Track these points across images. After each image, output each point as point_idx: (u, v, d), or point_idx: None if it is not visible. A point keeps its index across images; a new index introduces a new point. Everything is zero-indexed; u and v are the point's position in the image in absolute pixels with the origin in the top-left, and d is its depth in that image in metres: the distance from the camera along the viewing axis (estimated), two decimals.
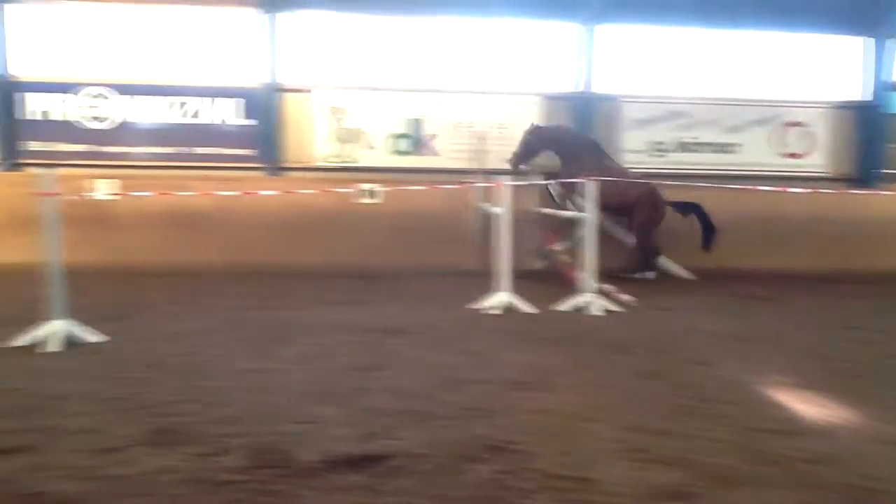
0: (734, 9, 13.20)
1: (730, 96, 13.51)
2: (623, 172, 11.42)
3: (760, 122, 13.57)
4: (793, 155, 13.68)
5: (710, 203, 11.55)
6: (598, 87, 13.23)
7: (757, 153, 13.56)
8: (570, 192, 10.83)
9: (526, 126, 11.85)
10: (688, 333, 7.05)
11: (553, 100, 13.13)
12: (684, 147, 13.42)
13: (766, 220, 12.41)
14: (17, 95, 12.32)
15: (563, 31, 13.25)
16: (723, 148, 13.53)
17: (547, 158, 11.69)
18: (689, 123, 13.44)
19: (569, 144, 11.49)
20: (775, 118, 13.58)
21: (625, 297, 8.64)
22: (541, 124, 11.87)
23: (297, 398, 4.68)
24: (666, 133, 13.38)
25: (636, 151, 13.29)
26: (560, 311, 8.02)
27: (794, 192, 10.32)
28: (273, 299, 8.81)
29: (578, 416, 4.40)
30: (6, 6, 12.28)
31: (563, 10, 13.04)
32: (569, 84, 13.23)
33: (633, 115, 13.30)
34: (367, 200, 10.93)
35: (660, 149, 13.36)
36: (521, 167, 11.58)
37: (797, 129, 13.66)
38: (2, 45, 12.28)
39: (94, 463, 3.63)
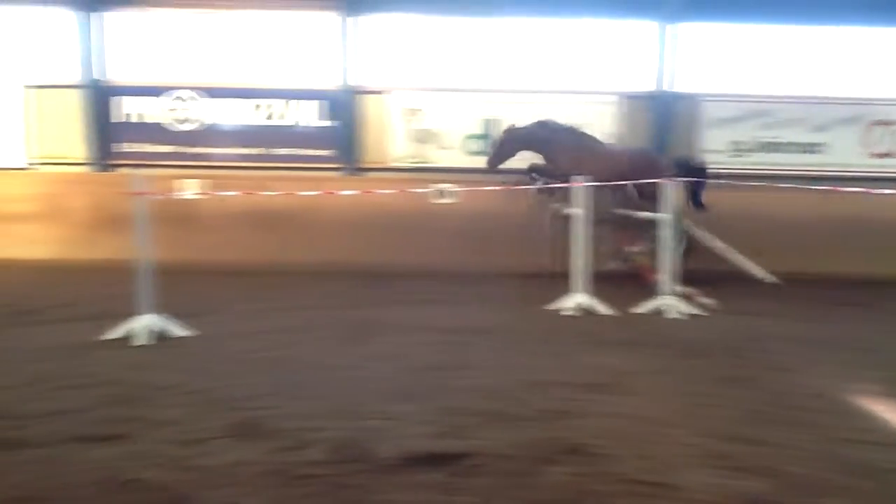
0: (818, 4, 12.79)
1: (815, 94, 13.08)
2: (612, 150, 11.16)
3: (848, 121, 13.11)
4: (883, 155, 13.17)
5: (793, 205, 11.24)
6: (678, 86, 12.99)
7: (844, 153, 13.10)
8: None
9: (505, 126, 11.55)
10: (771, 338, 6.87)
11: (631, 99, 12.95)
12: (767, 147, 13.07)
13: (854, 223, 11.95)
14: (110, 99, 12.83)
15: (641, 30, 13.07)
16: (808, 148, 13.12)
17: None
18: (772, 122, 13.07)
19: (547, 141, 11.13)
20: (864, 116, 13.09)
21: (705, 301, 8.47)
22: (516, 124, 11.58)
23: (377, 395, 4.76)
24: (748, 132, 13.05)
25: (717, 151, 13.00)
26: (638, 314, 7.92)
27: (882, 194, 9.94)
28: (352, 298, 8.95)
29: (658, 420, 4.34)
30: (104, 14, 12.80)
31: (642, 9, 12.86)
32: (647, 83, 13.03)
33: (713, 114, 13.02)
34: (440, 201, 10.97)
35: (742, 148, 13.04)
36: (498, 168, 11.27)
37: (887, 127, 13.14)
38: (99, 51, 12.80)
39: (181, 453, 3.76)
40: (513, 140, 11.21)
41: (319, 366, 5.59)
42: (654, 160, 10.90)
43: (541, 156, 11.24)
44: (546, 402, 4.66)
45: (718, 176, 11.93)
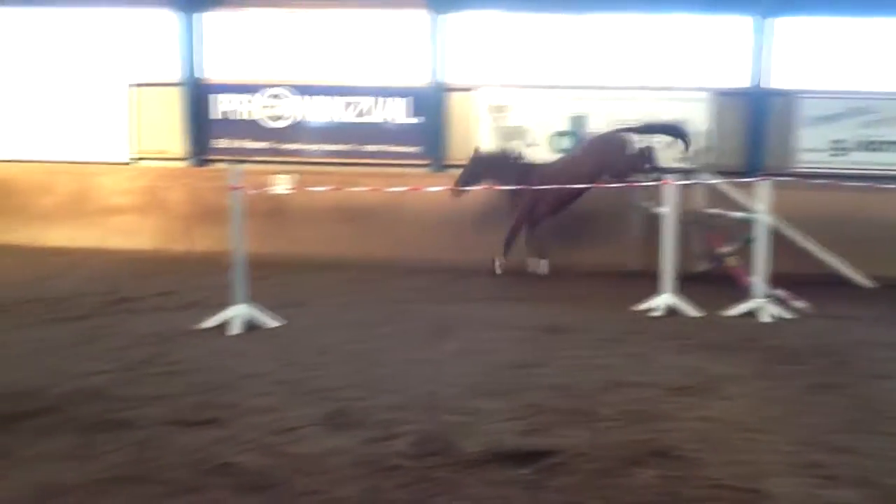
0: None
1: None
2: (570, 154, 11.26)
3: None
4: None
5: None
6: (774, 83, 12.59)
7: None
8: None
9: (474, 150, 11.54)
10: (867, 345, 6.59)
11: (723, 96, 12.62)
12: (870, 146, 12.53)
13: None
14: (208, 96, 13.29)
15: (735, 25, 12.71)
16: None
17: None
18: (875, 120, 12.53)
19: (505, 170, 10.97)
20: None
21: (799, 304, 8.20)
22: (483, 151, 11.41)
23: (461, 390, 4.80)
24: (849, 131, 12.54)
25: (814, 150, 12.55)
26: (727, 316, 7.72)
27: None
28: (437, 293, 9.04)
29: (747, 425, 4.24)
30: (202, 15, 13.27)
31: (737, 4, 12.51)
32: (741, 80, 12.67)
33: (812, 112, 12.55)
34: None
35: (842, 147, 12.55)
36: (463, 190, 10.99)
37: None
38: (198, 50, 13.27)
39: (273, 440, 3.89)
40: (480, 164, 11.07)
41: (404, 359, 5.68)
42: (610, 140, 10.82)
43: (503, 181, 10.95)
44: (631, 402, 4.61)
45: (816, 176, 11.55)
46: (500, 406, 4.47)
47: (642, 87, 12.72)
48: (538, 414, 4.34)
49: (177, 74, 13.24)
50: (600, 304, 8.37)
